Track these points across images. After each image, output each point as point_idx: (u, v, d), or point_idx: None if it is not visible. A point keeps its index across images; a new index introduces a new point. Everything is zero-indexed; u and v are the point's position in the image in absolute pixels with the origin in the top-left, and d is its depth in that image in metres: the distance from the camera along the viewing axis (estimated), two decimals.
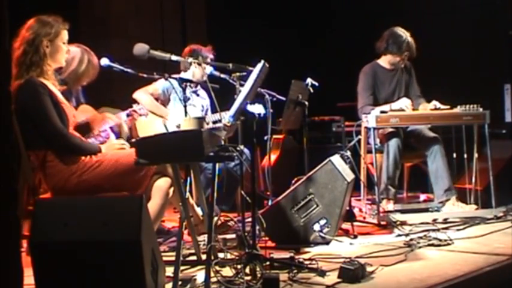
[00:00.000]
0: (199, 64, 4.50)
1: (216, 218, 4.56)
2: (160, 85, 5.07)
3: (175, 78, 4.21)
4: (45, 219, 2.69)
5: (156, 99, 5.11)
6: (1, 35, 2.16)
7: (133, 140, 3.44)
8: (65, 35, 3.61)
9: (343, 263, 3.32)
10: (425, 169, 5.52)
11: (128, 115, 4.47)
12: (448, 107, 5.04)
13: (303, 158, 4.81)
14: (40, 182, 3.57)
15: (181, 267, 3.30)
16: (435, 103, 5.12)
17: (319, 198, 4.18)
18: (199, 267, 3.51)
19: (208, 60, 4.98)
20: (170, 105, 5.12)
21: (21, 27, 3.53)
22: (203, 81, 4.89)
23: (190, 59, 4.39)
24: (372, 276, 3.35)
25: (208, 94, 5.29)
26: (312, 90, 4.88)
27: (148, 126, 4.86)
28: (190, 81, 4.27)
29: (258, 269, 3.27)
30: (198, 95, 5.32)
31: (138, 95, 5.04)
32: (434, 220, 4.79)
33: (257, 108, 4.62)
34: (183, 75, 5.03)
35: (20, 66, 3.46)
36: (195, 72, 5.09)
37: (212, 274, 3.17)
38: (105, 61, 3.92)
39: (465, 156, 5.03)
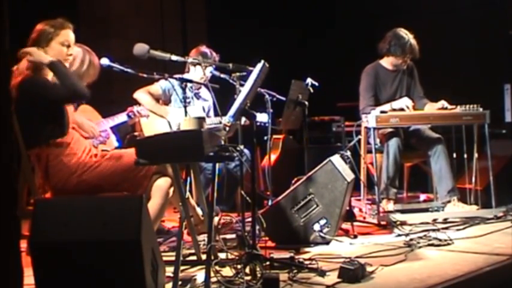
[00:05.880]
0: (199, 65, 4.50)
1: (216, 218, 4.56)
2: (161, 85, 5.08)
3: (176, 78, 4.22)
4: (45, 219, 2.69)
5: (157, 99, 5.12)
6: (1, 35, 2.17)
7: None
8: (64, 35, 3.59)
9: (343, 263, 3.32)
10: (426, 169, 5.53)
11: (129, 116, 4.48)
12: (454, 106, 5.04)
13: (303, 158, 4.80)
14: (42, 184, 3.57)
15: (181, 267, 3.30)
16: (443, 102, 5.11)
17: (319, 198, 4.18)
18: (199, 267, 3.51)
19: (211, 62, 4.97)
20: (171, 106, 5.12)
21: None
22: (203, 83, 4.89)
23: (190, 59, 4.39)
24: (372, 276, 3.35)
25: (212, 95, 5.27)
26: (312, 90, 4.88)
27: (153, 126, 4.86)
28: (191, 81, 4.27)
29: (258, 269, 3.27)
30: (199, 98, 5.32)
31: (138, 95, 5.05)
32: (434, 220, 4.79)
33: (262, 117, 4.65)
34: (186, 75, 5.03)
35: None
36: (196, 73, 5.08)
37: (212, 274, 3.17)
38: (105, 61, 3.92)
39: (465, 156, 5.03)
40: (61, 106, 3.56)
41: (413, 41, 5.27)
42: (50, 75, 3.56)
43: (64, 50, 3.61)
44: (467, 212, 4.92)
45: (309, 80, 4.85)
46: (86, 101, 3.65)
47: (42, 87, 3.49)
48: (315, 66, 5.83)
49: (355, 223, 4.64)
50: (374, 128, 4.97)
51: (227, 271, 3.33)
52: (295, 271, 3.40)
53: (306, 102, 4.78)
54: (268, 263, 3.48)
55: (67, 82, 3.48)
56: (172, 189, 3.55)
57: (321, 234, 4.13)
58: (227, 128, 3.54)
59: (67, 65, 3.66)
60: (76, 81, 3.55)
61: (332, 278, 3.30)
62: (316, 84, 4.88)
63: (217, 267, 3.28)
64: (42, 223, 2.68)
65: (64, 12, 3.69)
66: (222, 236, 4.17)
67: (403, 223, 4.70)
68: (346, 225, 4.53)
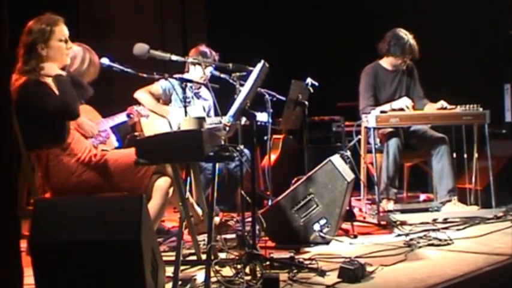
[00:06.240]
0: (199, 65, 4.50)
1: (217, 218, 4.56)
2: (161, 85, 5.07)
3: (176, 78, 4.22)
4: (45, 219, 2.69)
5: (158, 99, 5.12)
6: (1, 35, 2.16)
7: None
8: (59, 31, 3.56)
9: (343, 263, 3.32)
10: (426, 169, 5.53)
11: (129, 116, 4.48)
12: (454, 106, 5.04)
13: (303, 158, 4.80)
14: (42, 185, 3.57)
15: (181, 267, 3.29)
16: (442, 102, 5.11)
17: (319, 198, 4.18)
18: (199, 267, 3.51)
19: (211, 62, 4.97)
20: (171, 105, 5.12)
21: (23, 29, 3.54)
22: (203, 83, 4.89)
23: (190, 59, 4.39)
24: (372, 276, 3.35)
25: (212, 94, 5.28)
26: (312, 90, 4.88)
27: (153, 126, 4.86)
28: (191, 81, 4.27)
29: (258, 269, 3.27)
30: (199, 97, 5.32)
31: (138, 94, 5.05)
32: (434, 220, 4.79)
33: (262, 116, 4.65)
34: (186, 75, 5.03)
35: (21, 72, 3.47)
36: (196, 72, 5.09)
37: (212, 274, 3.16)
38: (105, 61, 3.92)
39: (465, 156, 5.03)
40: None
41: (412, 42, 5.27)
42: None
43: (63, 45, 3.59)
44: (467, 212, 4.92)
45: (309, 80, 4.86)
46: (74, 118, 3.63)
47: (41, 98, 3.45)
48: (315, 66, 5.83)
49: (355, 223, 4.64)
50: (374, 128, 4.98)
51: (227, 271, 3.33)
52: (295, 271, 3.40)
53: (306, 102, 4.78)
54: (268, 263, 3.48)
55: (64, 98, 3.46)
56: (172, 189, 3.55)
57: (321, 234, 4.13)
58: (227, 128, 3.54)
59: (68, 60, 3.65)
60: (72, 100, 3.50)
61: (332, 278, 3.30)
62: (316, 84, 4.88)
63: (217, 267, 3.28)
64: (42, 223, 2.68)
65: (64, 12, 3.68)
66: (222, 236, 4.17)
67: (403, 223, 4.70)
68: (346, 225, 4.53)
